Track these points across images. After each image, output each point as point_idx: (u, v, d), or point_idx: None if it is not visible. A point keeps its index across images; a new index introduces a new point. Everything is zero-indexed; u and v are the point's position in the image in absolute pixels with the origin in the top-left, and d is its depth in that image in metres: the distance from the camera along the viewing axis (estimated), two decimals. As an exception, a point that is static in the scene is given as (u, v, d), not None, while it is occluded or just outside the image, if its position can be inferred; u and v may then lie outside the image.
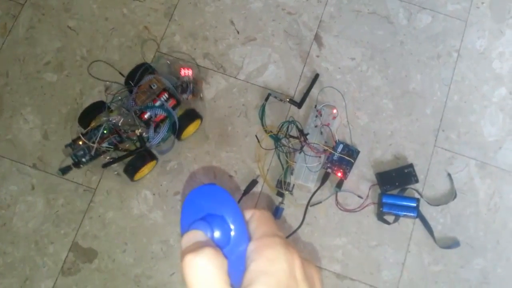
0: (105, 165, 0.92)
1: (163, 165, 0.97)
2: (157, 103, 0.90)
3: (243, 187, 0.95)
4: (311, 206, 0.95)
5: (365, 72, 1.03)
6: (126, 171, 0.92)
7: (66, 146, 0.91)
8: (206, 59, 1.03)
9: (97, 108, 0.93)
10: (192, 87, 0.95)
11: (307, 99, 0.99)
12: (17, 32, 1.04)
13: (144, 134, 0.89)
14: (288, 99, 0.99)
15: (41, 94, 1.01)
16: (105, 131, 0.89)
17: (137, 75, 0.93)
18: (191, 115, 0.95)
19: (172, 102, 0.91)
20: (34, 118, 1.00)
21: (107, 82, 0.98)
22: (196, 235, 0.32)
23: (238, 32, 1.05)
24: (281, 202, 0.94)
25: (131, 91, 0.92)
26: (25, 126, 0.99)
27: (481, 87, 1.03)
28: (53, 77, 1.02)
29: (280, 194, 0.94)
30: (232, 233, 0.33)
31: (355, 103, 1.01)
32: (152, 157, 0.93)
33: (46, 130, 0.99)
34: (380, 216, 0.94)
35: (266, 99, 0.98)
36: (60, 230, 0.94)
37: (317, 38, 1.05)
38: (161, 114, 0.90)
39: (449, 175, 0.97)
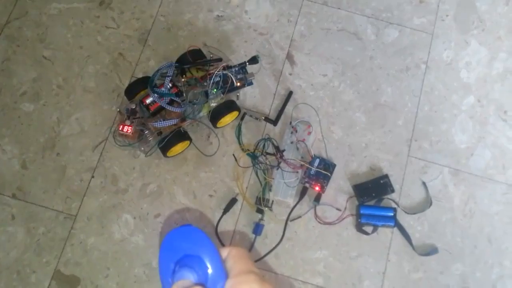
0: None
1: (143, 188, 0.98)
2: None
3: (223, 206, 0.96)
4: (290, 221, 0.96)
5: (337, 88, 1.06)
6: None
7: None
8: (181, 82, 1.05)
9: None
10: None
11: (282, 116, 1.01)
12: (-8, 64, 1.06)
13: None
14: (263, 117, 1.01)
15: (19, 124, 1.01)
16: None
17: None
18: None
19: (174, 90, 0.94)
20: (12, 148, 1.00)
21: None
22: (184, 283, 0.33)
23: (211, 54, 1.07)
24: (261, 219, 0.95)
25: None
26: (3, 156, 1.00)
27: (450, 97, 1.06)
28: (30, 107, 1.03)
29: (260, 211, 0.95)
30: (210, 271, 0.35)
31: (329, 118, 1.03)
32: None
33: (25, 159, 0.99)
34: (359, 227, 0.95)
35: (242, 118, 1.00)
36: (41, 258, 0.94)
37: (289, 57, 1.08)
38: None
39: (423, 183, 1.00)
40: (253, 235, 0.94)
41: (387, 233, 0.97)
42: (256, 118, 1.01)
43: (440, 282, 0.95)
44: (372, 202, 0.97)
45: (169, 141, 0.93)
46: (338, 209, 0.97)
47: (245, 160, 0.99)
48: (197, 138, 1.01)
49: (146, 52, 1.07)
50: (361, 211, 0.94)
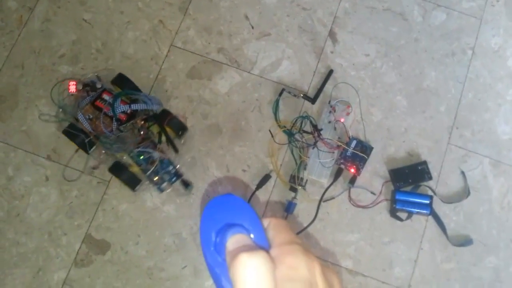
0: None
1: (177, 158, 0.97)
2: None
3: (256, 182, 0.95)
4: (324, 201, 0.95)
5: (379, 69, 1.03)
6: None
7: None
8: (220, 54, 1.03)
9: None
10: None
11: (321, 95, 0.99)
12: (32, 24, 1.05)
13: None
14: (302, 95, 0.98)
15: (56, 87, 1.01)
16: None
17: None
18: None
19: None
20: (49, 110, 1.00)
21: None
22: (243, 238, 0.32)
23: (252, 27, 1.05)
24: (294, 197, 0.94)
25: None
26: (40, 117, 1.00)
27: (496, 85, 1.03)
28: (68, 69, 1.02)
29: (293, 189, 0.94)
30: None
31: (369, 100, 1.01)
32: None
33: (61, 122, 0.99)
34: (393, 213, 0.94)
35: (280, 94, 0.98)
36: (73, 221, 0.95)
37: (331, 34, 1.05)
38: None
39: (462, 173, 0.97)
40: (285, 213, 0.93)
41: (421, 221, 0.95)
42: (294, 95, 0.99)
43: (472, 274, 0.93)
44: (408, 188, 0.95)
45: (72, 135, 0.92)
46: (373, 193, 0.96)
47: (280, 137, 0.98)
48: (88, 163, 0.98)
49: (186, 21, 1.05)
50: (397, 197, 0.92)
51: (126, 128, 0.92)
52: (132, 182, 0.93)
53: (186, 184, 0.95)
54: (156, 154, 0.91)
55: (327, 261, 0.93)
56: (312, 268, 0.30)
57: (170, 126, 0.93)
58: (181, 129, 0.95)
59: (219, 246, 0.34)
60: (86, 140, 0.92)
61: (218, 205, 0.36)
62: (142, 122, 0.92)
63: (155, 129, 0.95)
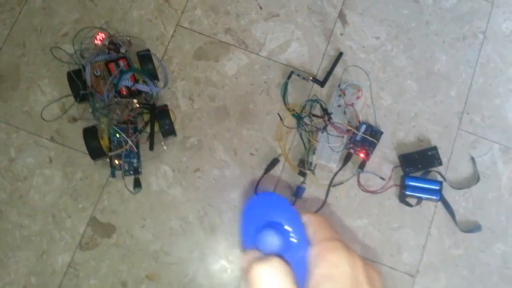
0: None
1: (183, 141, 0.95)
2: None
3: (264, 166, 0.94)
4: (332, 186, 0.94)
5: (390, 52, 1.01)
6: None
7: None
8: (227, 35, 1.01)
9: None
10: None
11: (330, 78, 0.97)
12: (34, 1, 1.02)
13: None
14: (311, 78, 0.96)
15: (59, 66, 0.98)
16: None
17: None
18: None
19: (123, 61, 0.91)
20: (52, 90, 0.97)
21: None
22: (254, 253, 0.33)
23: (260, 8, 1.02)
24: (303, 182, 0.92)
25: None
26: (42, 98, 0.97)
27: (507, 70, 1.01)
28: (71, 49, 0.99)
29: (302, 174, 0.92)
30: (293, 238, 0.34)
31: (378, 83, 0.99)
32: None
33: (64, 102, 0.97)
34: (402, 198, 0.93)
35: (289, 77, 0.96)
36: (78, 204, 0.93)
37: (341, 16, 1.02)
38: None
39: (472, 158, 0.96)
40: (293, 198, 0.92)
41: (430, 207, 0.94)
42: (303, 78, 0.97)
43: (480, 260, 0.93)
44: (417, 174, 0.94)
45: (71, 80, 0.90)
46: (382, 178, 0.94)
47: (289, 120, 0.96)
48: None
49: (193, 0, 1.02)
50: (406, 182, 0.92)
51: (121, 102, 0.89)
52: (95, 153, 0.88)
53: (137, 184, 0.90)
54: (129, 141, 0.88)
55: (335, 246, 0.92)
56: (354, 264, 0.30)
57: (160, 123, 0.90)
58: (167, 131, 0.91)
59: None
60: (81, 92, 0.89)
61: (259, 202, 0.37)
62: (137, 105, 0.89)
63: (145, 117, 0.92)
